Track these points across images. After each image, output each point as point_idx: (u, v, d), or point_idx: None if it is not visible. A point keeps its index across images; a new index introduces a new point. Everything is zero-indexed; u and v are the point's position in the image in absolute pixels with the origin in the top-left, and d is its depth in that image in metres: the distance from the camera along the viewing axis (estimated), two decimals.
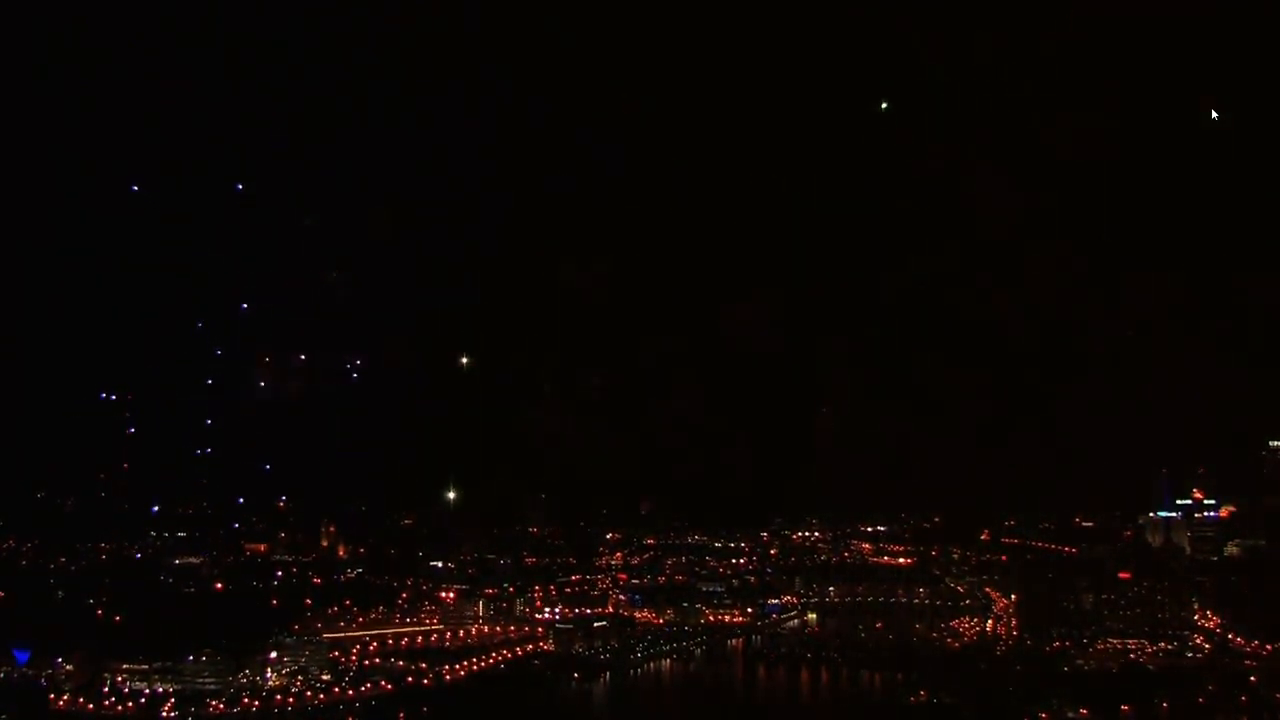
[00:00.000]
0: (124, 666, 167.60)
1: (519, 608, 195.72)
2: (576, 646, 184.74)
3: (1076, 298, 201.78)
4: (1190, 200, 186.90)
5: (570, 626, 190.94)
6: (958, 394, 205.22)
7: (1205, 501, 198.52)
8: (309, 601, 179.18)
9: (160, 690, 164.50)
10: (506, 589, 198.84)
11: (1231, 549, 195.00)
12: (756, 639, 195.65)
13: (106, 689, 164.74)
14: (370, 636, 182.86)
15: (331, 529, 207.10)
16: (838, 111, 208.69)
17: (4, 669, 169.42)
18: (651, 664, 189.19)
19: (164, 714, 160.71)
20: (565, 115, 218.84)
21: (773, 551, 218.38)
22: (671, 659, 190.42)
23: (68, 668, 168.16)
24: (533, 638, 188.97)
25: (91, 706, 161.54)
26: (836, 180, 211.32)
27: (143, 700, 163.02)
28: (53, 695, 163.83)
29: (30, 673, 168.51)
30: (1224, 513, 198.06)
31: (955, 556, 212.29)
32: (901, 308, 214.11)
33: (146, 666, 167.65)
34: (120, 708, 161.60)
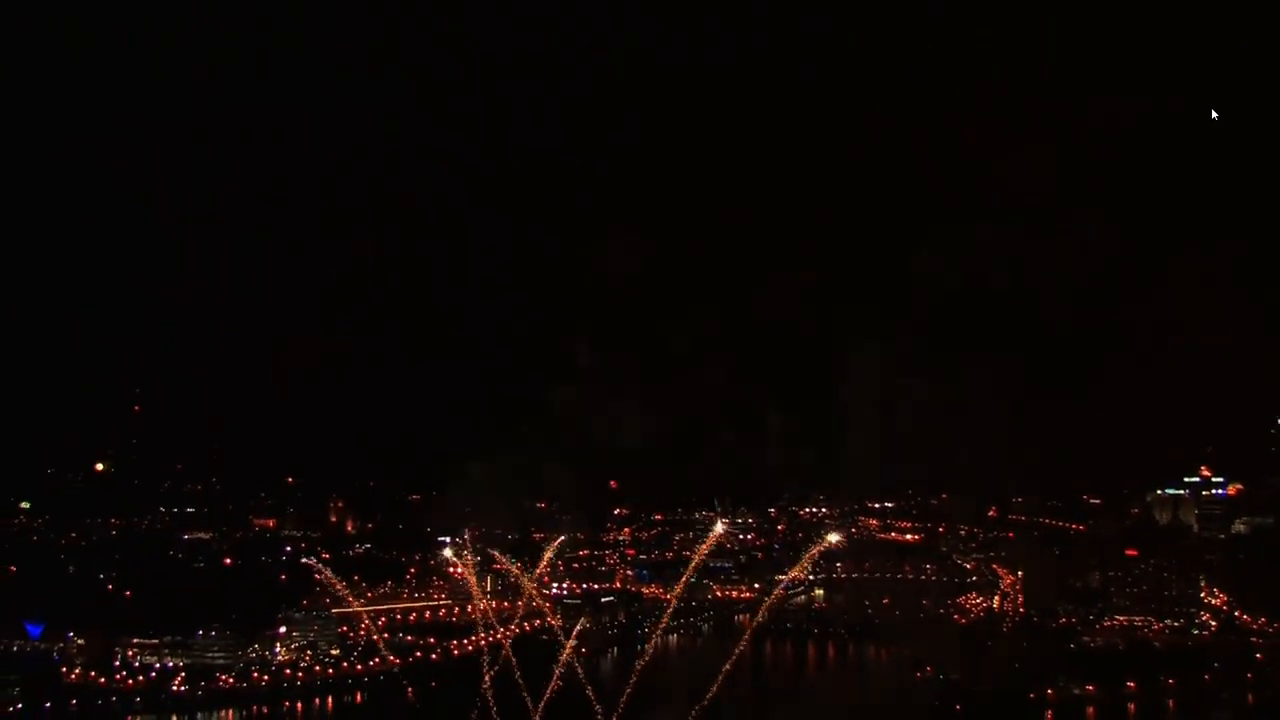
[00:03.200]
0: (135, 641, 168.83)
1: (527, 583, 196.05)
2: (584, 621, 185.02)
3: (1093, 277, 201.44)
4: (1210, 177, 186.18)
5: (578, 601, 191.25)
6: (973, 370, 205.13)
7: (1213, 479, 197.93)
8: (318, 577, 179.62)
9: (170, 664, 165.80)
10: (515, 564, 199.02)
11: (1239, 527, 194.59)
12: (764, 614, 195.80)
13: (117, 663, 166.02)
14: (379, 612, 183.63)
15: (340, 505, 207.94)
16: (872, 86, 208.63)
17: (17, 642, 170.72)
18: (658, 639, 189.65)
19: (174, 688, 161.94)
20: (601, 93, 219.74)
21: (780, 527, 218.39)
22: (679, 634, 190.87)
23: (79, 642, 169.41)
24: (541, 613, 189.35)
25: (103, 680, 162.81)
26: (866, 157, 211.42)
27: (153, 674, 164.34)
28: (64, 669, 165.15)
29: (43, 646, 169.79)
30: (1232, 490, 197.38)
31: (962, 533, 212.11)
32: (921, 286, 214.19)
33: (157, 641, 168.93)
34: (131, 681, 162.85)
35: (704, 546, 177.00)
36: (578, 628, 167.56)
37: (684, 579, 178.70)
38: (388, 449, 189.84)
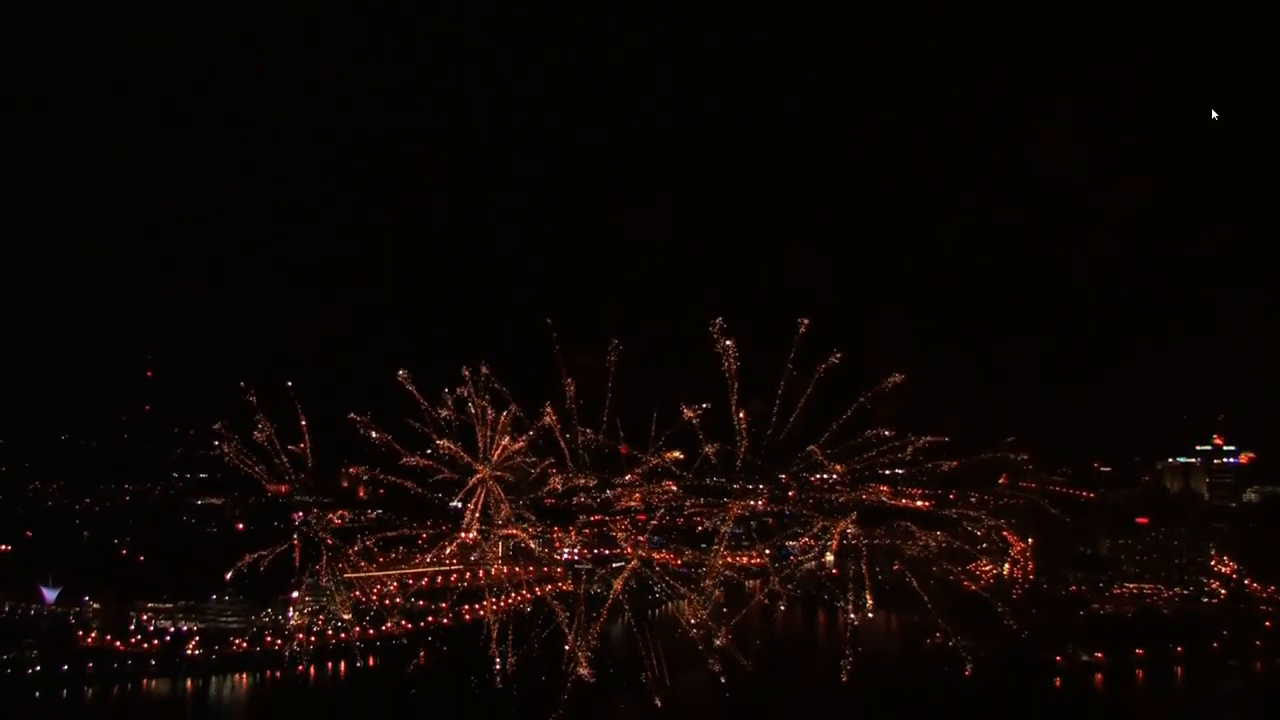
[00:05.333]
0: (149, 605, 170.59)
1: (538, 548, 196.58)
2: (594, 587, 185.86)
3: (1110, 247, 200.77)
4: (1230, 149, 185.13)
5: (589, 567, 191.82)
6: (990, 339, 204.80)
7: (1225, 447, 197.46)
8: (330, 542, 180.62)
9: (185, 628, 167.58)
10: (525, 528, 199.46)
11: (1250, 495, 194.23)
12: (774, 580, 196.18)
13: (132, 627, 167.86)
14: (391, 576, 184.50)
15: (351, 470, 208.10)
16: (898, 53, 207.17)
17: (34, 606, 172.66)
18: (669, 604, 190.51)
19: (188, 651, 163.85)
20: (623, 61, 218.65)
21: (790, 493, 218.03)
22: (688, 600, 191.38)
23: (95, 606, 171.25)
24: (552, 578, 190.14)
25: (119, 643, 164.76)
26: (896, 124, 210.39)
27: (168, 638, 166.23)
28: (81, 632, 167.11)
29: (59, 610, 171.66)
30: (1244, 459, 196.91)
31: (973, 500, 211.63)
32: (941, 257, 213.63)
33: (171, 605, 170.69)
34: (146, 645, 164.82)
35: (730, 516, 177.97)
36: (613, 595, 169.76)
37: (719, 544, 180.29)
38: (399, 415, 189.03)
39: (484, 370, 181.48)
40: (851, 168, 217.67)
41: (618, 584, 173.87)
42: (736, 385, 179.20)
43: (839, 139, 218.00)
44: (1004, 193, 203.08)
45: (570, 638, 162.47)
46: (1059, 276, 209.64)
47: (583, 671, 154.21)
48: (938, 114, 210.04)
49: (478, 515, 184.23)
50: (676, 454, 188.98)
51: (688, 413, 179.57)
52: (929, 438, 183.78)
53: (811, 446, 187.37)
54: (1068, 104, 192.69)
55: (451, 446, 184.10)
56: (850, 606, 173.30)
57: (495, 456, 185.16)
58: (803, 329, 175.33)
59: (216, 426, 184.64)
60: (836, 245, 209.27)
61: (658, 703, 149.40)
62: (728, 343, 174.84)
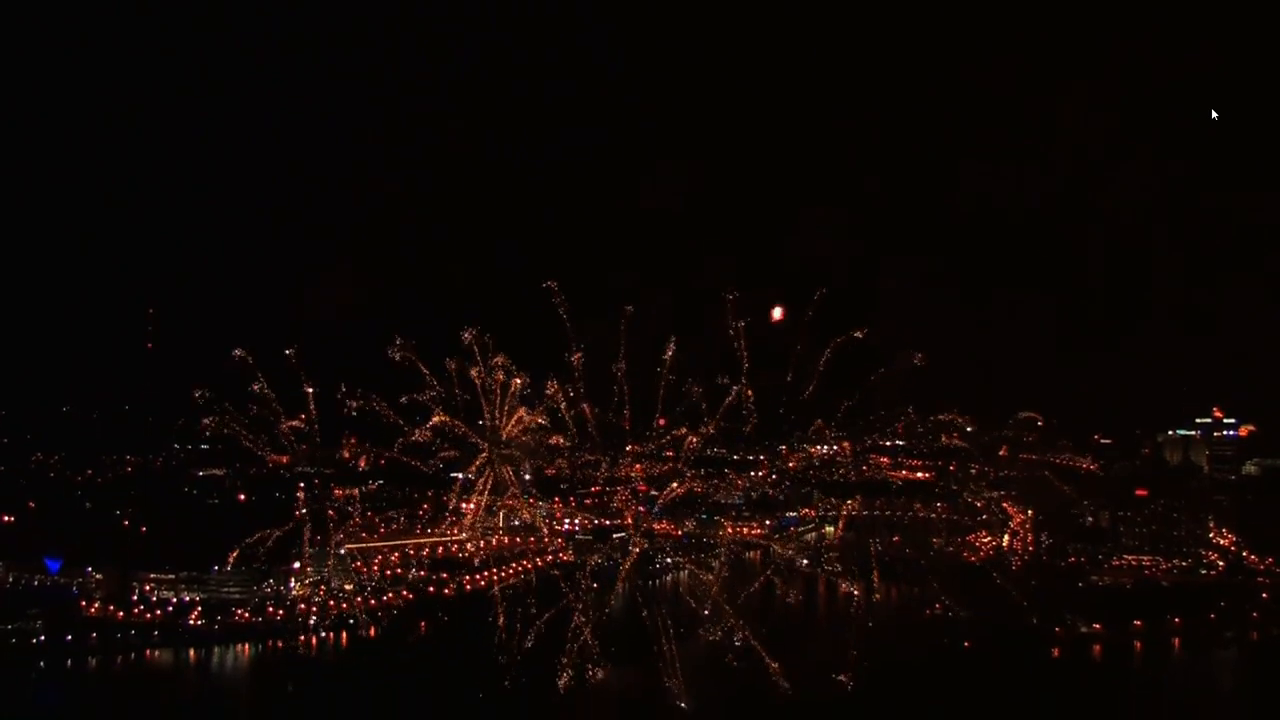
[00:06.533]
0: (152, 576, 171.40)
1: (539, 519, 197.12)
2: (595, 558, 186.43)
3: (1115, 220, 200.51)
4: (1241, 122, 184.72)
5: (589, 538, 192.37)
6: (991, 309, 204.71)
7: (1225, 420, 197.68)
8: (331, 513, 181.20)
9: (187, 599, 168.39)
10: (527, 500, 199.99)
11: (1250, 468, 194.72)
12: (777, 553, 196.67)
13: (135, 597, 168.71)
14: (392, 547, 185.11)
15: (352, 441, 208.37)
16: (915, 17, 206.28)
17: (38, 577, 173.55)
18: (670, 575, 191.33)
19: (191, 621, 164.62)
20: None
21: (791, 465, 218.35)
22: (688, 571, 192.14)
23: (98, 577, 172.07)
24: (553, 549, 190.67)
25: (121, 614, 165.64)
26: (906, 93, 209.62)
27: (170, 608, 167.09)
28: (84, 602, 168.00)
29: (62, 581, 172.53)
30: (1243, 431, 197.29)
31: (973, 471, 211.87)
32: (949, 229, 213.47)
33: (174, 576, 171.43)
34: (149, 615, 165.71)
35: (735, 490, 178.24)
36: (627, 563, 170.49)
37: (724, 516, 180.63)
38: (404, 387, 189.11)
39: (489, 340, 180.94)
40: (864, 140, 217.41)
41: (625, 565, 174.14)
42: (746, 361, 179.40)
43: (853, 108, 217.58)
44: (1013, 168, 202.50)
45: (576, 615, 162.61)
46: (1061, 251, 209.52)
47: (591, 672, 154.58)
48: (951, 87, 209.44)
49: (485, 493, 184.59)
50: (684, 431, 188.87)
51: (695, 390, 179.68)
52: (942, 416, 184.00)
53: (818, 421, 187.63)
54: (1080, 80, 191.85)
55: (459, 424, 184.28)
56: (856, 583, 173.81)
57: (504, 432, 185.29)
58: (818, 297, 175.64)
59: (224, 403, 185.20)
60: (847, 217, 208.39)
61: (666, 681, 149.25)
62: (740, 323, 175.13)
